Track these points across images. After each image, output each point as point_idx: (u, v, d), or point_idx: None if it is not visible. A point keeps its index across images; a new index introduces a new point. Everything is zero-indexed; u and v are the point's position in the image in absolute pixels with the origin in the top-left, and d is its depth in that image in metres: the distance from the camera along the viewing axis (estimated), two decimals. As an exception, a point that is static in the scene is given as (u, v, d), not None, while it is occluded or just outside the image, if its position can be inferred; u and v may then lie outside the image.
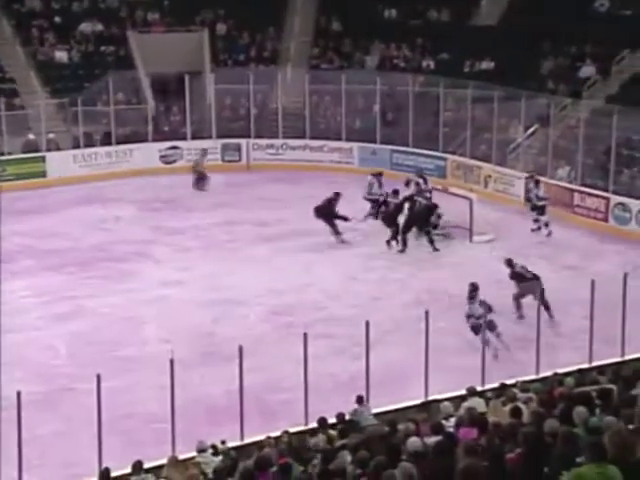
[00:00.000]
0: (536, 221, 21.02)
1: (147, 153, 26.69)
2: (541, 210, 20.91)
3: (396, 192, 20.72)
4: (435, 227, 20.50)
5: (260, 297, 17.42)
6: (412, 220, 20.13)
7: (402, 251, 19.88)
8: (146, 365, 13.89)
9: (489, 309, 14.42)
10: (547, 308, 15.25)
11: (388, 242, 20.04)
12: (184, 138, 27.34)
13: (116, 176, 25.81)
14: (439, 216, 20.50)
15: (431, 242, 19.95)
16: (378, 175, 22.13)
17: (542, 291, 15.06)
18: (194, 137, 27.35)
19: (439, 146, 25.48)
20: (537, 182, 21.34)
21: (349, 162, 26.86)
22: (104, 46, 28.76)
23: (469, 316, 14.77)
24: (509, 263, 16.49)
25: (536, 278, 15.92)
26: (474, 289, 14.94)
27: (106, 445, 11.12)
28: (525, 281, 16.01)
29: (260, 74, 27.71)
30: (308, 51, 29.54)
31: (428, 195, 21.22)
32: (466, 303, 14.90)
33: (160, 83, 27.45)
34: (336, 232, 20.35)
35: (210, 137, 27.34)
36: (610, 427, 6.02)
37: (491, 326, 14.43)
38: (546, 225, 20.70)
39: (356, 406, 11.84)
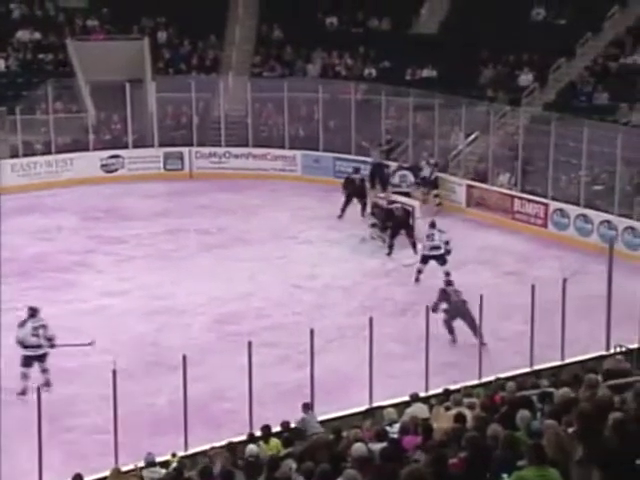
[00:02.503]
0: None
1: (88, 162, 26.39)
2: (442, 260, 18.01)
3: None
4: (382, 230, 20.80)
5: (203, 306, 17.34)
6: (398, 225, 20.22)
7: (389, 254, 20.04)
8: (88, 376, 13.75)
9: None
10: (474, 330, 14.73)
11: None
12: (125, 147, 27.08)
13: (57, 185, 25.47)
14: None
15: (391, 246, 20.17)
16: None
17: (470, 315, 14.87)
18: (135, 146, 27.13)
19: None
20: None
21: (292, 170, 26.87)
22: (42, 54, 28.38)
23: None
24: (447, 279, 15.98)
25: (463, 302, 15.33)
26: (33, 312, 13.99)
27: (47, 458, 10.95)
28: (451, 302, 15.41)
29: (202, 82, 27.57)
30: (250, 59, 29.49)
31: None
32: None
33: (100, 91, 27.17)
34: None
35: (152, 146, 27.13)
36: (549, 430, 6.11)
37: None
38: (447, 274, 16.75)
39: (302, 414, 11.83)
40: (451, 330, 15.43)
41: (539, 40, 26.01)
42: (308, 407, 11.98)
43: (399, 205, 20.65)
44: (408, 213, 20.52)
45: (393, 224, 20.39)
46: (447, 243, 17.99)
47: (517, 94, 25.16)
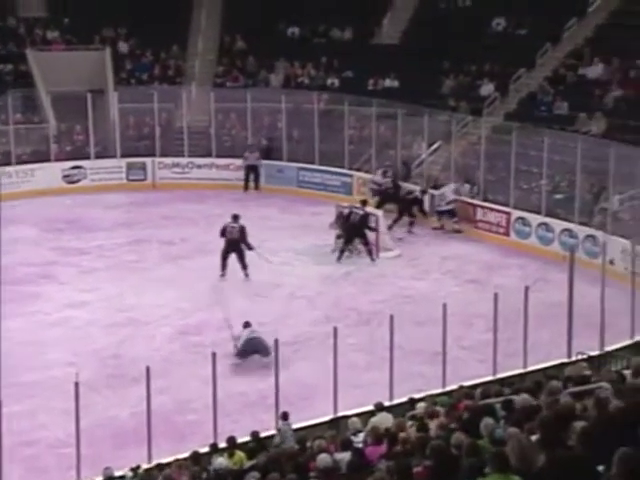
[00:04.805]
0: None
1: (49, 173, 26.16)
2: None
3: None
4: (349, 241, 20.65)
5: (167, 317, 17.25)
6: (351, 231, 20.36)
7: (338, 259, 20.20)
8: (50, 389, 13.60)
9: None
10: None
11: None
12: (88, 157, 26.90)
13: (17, 197, 25.21)
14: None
15: (369, 252, 20.26)
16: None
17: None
18: (98, 156, 26.95)
19: (345, 163, 25.68)
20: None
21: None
22: (2, 64, 28.13)
23: None
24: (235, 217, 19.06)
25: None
26: None
27: (7, 473, 10.81)
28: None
29: (164, 93, 27.48)
30: (212, 69, 29.46)
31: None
32: None
33: (62, 102, 26.97)
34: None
35: (114, 156, 26.97)
36: (512, 437, 6.14)
37: None
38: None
39: (281, 424, 11.77)
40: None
41: (500, 50, 26.25)
42: (285, 417, 11.92)
43: (356, 211, 20.62)
44: (364, 220, 20.46)
45: (346, 230, 20.44)
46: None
47: (479, 104, 25.34)
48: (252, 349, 15.07)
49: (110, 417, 13.11)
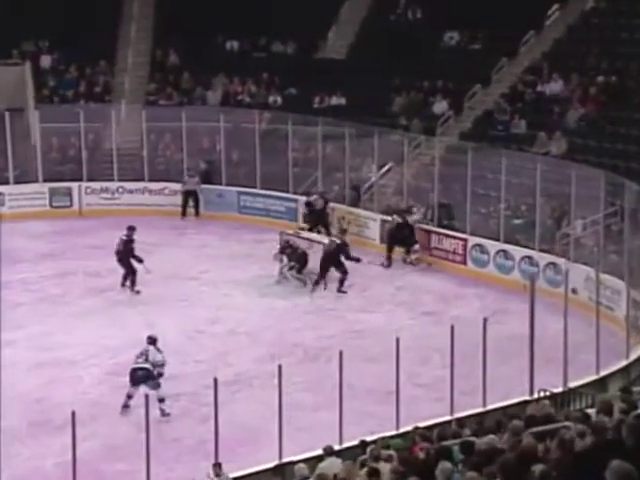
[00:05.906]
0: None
1: (-36, 200, 25.86)
2: (152, 384, 14.81)
3: None
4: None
5: (96, 356, 17.10)
6: (327, 260, 20.48)
7: (312, 291, 20.41)
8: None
9: None
10: None
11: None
12: (6, 182, 26.60)
13: None
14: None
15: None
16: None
17: None
18: (17, 181, 26.67)
19: (289, 187, 25.75)
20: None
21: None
22: None
23: None
24: None
25: None
26: None
27: None
28: None
29: (91, 111, 27.34)
30: (144, 86, 29.42)
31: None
32: None
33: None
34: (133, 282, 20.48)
35: (36, 181, 26.72)
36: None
37: None
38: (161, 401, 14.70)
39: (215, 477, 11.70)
40: None
41: (453, 66, 26.61)
42: (219, 467, 11.84)
43: (329, 239, 20.93)
44: (341, 249, 20.54)
45: (322, 259, 20.52)
46: (161, 365, 15.04)
47: (432, 122, 25.62)
48: (137, 380, 14.76)
49: (33, 467, 12.94)
